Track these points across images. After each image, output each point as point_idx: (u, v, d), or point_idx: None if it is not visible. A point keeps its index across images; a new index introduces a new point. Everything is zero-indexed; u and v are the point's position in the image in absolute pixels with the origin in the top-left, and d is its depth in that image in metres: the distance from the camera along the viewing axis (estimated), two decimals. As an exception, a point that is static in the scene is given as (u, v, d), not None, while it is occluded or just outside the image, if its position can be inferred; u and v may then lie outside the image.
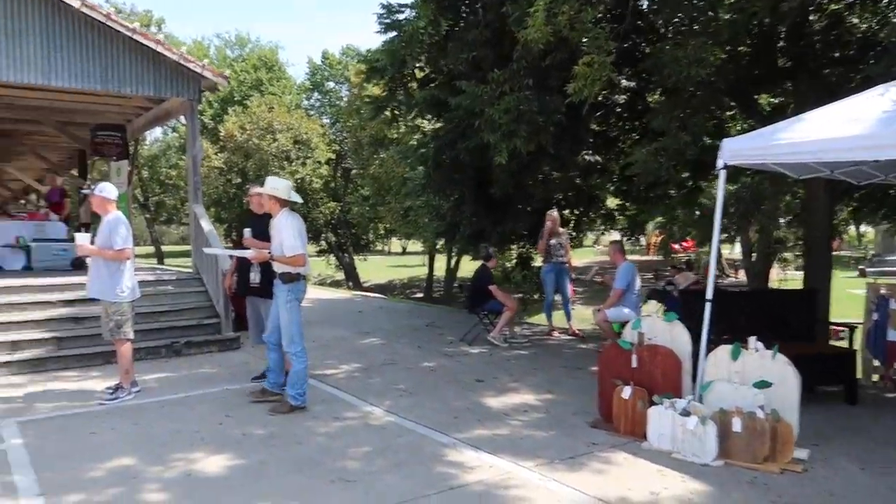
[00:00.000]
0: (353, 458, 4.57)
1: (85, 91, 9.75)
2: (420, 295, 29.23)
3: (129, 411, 5.72)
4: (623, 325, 6.41)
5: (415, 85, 10.39)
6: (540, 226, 9.77)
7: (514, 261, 15.33)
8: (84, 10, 8.30)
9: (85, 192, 6.28)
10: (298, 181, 31.82)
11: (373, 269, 37.31)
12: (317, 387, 6.39)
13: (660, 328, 5.19)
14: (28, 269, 10.51)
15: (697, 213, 13.72)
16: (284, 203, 5.73)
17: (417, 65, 9.87)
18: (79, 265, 10.51)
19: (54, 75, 8.40)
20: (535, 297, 14.98)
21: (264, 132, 31.77)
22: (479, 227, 11.80)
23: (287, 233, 5.56)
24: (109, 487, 4.09)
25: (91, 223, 13.28)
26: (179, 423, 5.37)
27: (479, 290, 8.79)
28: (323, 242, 35.32)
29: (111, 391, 6.12)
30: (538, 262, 13.90)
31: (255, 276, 6.30)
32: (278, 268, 5.72)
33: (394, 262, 44.38)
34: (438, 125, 11.15)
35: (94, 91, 9.57)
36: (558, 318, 9.99)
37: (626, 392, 5.04)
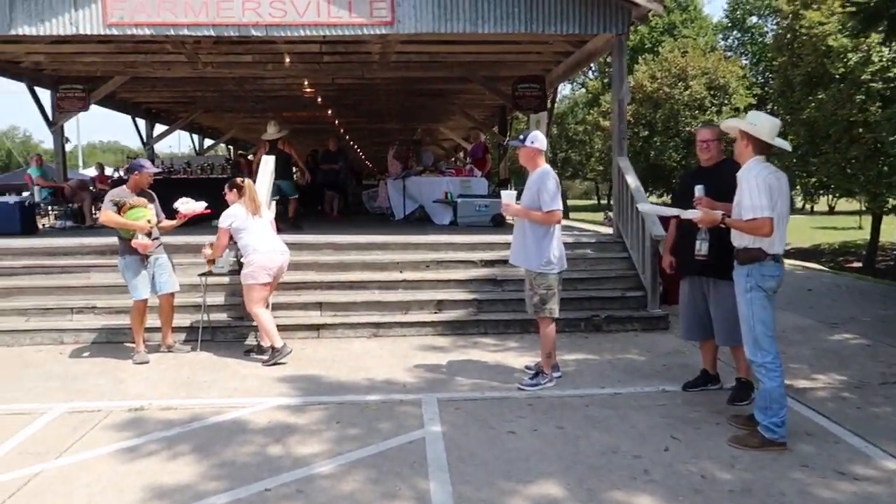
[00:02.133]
0: (905, 574, 2.75)
1: (508, 39, 9.32)
2: (858, 264, 23.98)
3: (551, 406, 4.77)
4: None
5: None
6: None
7: None
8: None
9: (513, 143, 5.44)
10: (712, 132, 28.97)
11: (793, 230, 32.13)
12: (790, 406, 4.58)
13: None
14: (454, 224, 10.75)
15: None
16: (760, 148, 4.04)
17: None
18: (499, 222, 10.34)
19: (481, 21, 7.92)
20: None
21: (676, 80, 29.47)
22: None
23: (753, 190, 3.91)
24: (535, 535, 3.07)
25: (510, 179, 13.28)
26: (612, 436, 4.19)
27: None
28: (735, 199, 31.98)
29: (531, 375, 5.28)
30: None
31: (701, 246, 4.57)
32: (736, 240, 4.09)
33: (818, 223, 37.91)
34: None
35: (517, 38, 9.05)
36: None
37: None
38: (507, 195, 5.23)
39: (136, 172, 6.05)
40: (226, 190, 6.11)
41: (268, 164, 7.59)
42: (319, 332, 6.84)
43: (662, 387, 5.15)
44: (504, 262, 7.58)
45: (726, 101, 29.37)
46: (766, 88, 30.87)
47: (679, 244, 4.99)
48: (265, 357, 5.97)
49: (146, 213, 5.90)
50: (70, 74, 11.65)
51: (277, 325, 6.69)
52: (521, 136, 5.26)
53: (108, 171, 17.78)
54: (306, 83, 12.37)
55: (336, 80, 12.42)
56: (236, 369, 5.79)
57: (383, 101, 15.44)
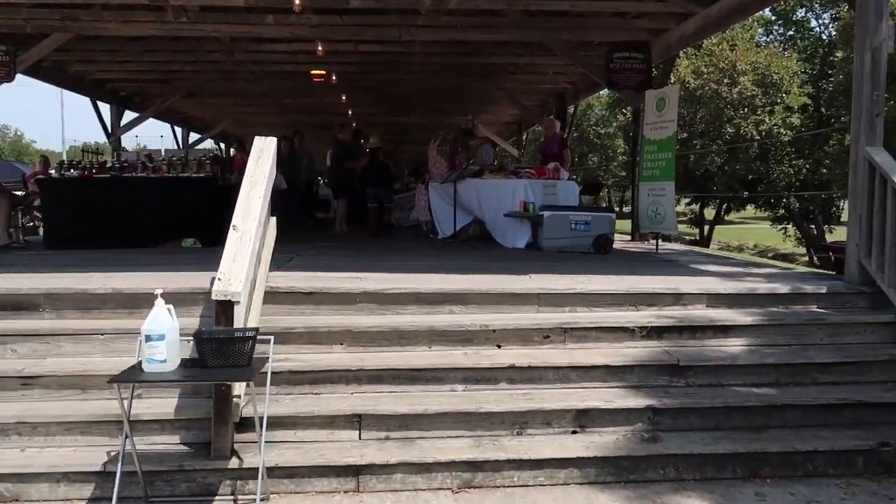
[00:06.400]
0: None
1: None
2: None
3: None
4: None
5: None
6: None
7: None
8: None
9: None
10: (763, 133, 26.04)
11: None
12: None
13: None
14: (533, 248, 7.42)
15: None
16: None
17: None
18: (603, 247, 7.03)
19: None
20: None
21: (723, 75, 26.33)
22: None
23: None
24: None
25: (602, 184, 9.96)
26: None
27: None
28: (782, 209, 29.15)
29: None
30: None
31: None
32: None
33: None
34: None
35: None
36: None
37: None
38: None
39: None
40: None
41: (261, 159, 4.23)
42: (359, 479, 3.46)
43: None
44: (685, 329, 4.30)
45: (779, 100, 26.45)
46: (822, 84, 28.00)
47: None
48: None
49: None
50: (-11, 31, 8.31)
51: (272, 467, 3.45)
52: None
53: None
54: (319, 49, 9.01)
55: (359, 45, 9.11)
56: None
57: (412, 82, 12.10)
